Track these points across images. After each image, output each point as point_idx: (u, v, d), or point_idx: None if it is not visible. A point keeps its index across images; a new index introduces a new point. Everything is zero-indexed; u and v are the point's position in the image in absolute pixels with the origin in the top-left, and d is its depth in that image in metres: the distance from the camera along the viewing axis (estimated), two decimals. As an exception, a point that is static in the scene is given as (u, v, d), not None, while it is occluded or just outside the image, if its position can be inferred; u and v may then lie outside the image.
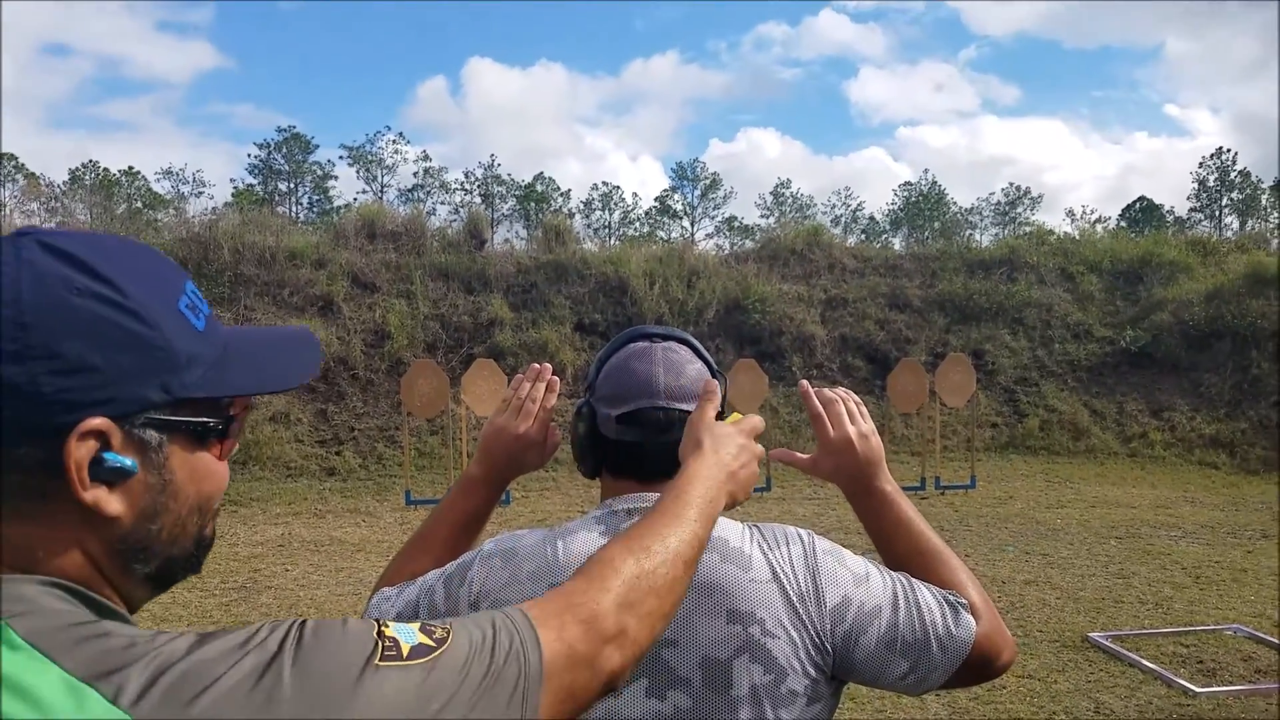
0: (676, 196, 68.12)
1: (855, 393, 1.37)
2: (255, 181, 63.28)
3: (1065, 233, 20.16)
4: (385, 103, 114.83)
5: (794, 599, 1.14)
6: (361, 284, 14.78)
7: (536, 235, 18.87)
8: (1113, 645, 5.43)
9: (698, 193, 68.26)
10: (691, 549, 0.91)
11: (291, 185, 65.86)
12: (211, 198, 57.32)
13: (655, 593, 0.84)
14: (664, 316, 14.97)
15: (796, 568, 1.17)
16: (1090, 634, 5.65)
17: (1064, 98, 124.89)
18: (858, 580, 1.17)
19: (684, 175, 68.91)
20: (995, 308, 15.80)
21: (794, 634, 1.13)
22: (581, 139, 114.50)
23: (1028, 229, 34.75)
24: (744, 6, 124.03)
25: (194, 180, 62.21)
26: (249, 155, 69.91)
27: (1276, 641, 5.49)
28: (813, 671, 1.13)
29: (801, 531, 1.23)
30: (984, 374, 14.67)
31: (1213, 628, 5.80)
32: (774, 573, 1.15)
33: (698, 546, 0.93)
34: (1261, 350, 13.90)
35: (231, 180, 66.24)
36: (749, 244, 26.38)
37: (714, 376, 1.28)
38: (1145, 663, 5.11)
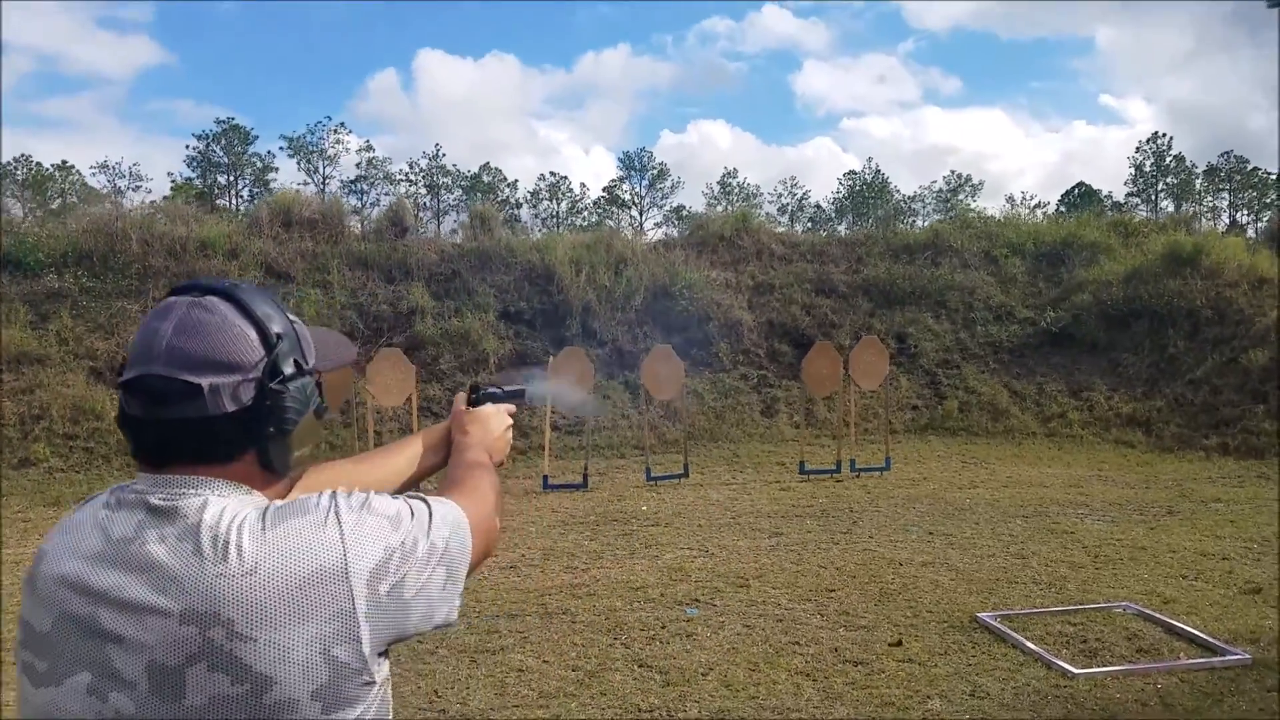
0: (625, 186, 67.86)
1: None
2: (194, 175, 61.73)
3: (990, 215, 20.22)
4: (334, 97, 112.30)
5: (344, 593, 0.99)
6: (275, 274, 14.36)
7: (464, 223, 18.50)
8: (1000, 625, 5.34)
9: (645, 182, 68.07)
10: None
11: (231, 178, 64.39)
12: (149, 191, 55.93)
13: None
14: (590, 303, 14.75)
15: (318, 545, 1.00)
16: (979, 614, 5.56)
17: (1003, 88, 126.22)
18: (393, 523, 1.05)
19: (632, 165, 68.66)
20: (919, 291, 15.81)
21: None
22: (535, 133, 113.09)
23: (955, 215, 35.02)
24: (685, 3, 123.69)
25: (130, 174, 60.53)
26: (187, 147, 68.35)
27: (1163, 619, 5.45)
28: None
29: (322, 496, 1.05)
30: (906, 357, 14.67)
31: (1103, 605, 5.75)
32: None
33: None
34: (1178, 329, 14.06)
35: (170, 174, 64.48)
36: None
37: (266, 340, 1.05)
38: (1028, 644, 5.02)
